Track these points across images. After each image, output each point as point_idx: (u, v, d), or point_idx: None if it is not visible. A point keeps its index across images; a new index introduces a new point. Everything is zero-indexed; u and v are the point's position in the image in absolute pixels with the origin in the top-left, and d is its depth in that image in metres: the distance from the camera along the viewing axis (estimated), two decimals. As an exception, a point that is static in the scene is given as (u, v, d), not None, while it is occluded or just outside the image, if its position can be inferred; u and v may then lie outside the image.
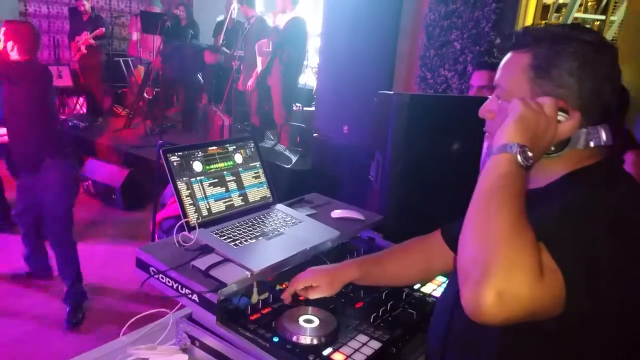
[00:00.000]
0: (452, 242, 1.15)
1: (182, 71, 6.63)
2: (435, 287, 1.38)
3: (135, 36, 7.46)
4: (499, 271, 0.67)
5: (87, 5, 6.72)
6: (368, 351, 1.05)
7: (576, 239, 0.74)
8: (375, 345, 1.08)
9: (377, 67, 3.42)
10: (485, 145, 1.00)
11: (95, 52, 6.73)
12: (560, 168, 0.88)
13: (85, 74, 6.90)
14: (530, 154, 0.78)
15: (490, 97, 0.96)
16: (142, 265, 1.19)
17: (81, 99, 7.54)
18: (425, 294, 1.34)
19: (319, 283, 1.20)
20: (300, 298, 1.21)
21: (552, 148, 0.85)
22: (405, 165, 1.69)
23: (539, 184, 0.90)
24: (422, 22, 3.38)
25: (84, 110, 7.39)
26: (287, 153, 4.79)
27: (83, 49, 6.61)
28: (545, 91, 0.84)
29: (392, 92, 1.72)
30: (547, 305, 0.70)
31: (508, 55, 0.91)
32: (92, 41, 6.55)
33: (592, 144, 0.85)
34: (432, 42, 3.30)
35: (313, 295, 1.20)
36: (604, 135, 0.86)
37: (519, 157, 0.77)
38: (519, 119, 0.80)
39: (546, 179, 0.90)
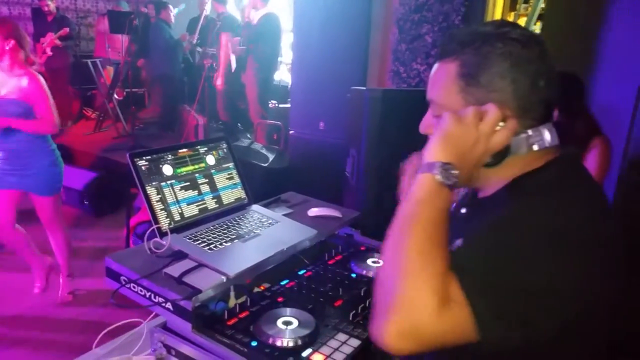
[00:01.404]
0: None
1: (161, 69, 6.50)
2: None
3: (101, 36, 7.30)
4: (397, 309, 0.67)
5: (52, 6, 6.53)
6: (347, 350, 1.04)
7: (493, 266, 0.69)
8: (355, 343, 1.06)
9: (350, 62, 3.41)
10: None
11: (62, 54, 6.54)
12: (505, 175, 0.83)
13: (52, 76, 6.70)
14: (454, 171, 0.75)
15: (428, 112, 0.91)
16: (112, 274, 1.16)
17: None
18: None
19: None
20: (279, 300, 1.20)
21: (490, 159, 0.80)
22: (380, 160, 1.69)
23: (486, 192, 0.87)
24: (393, 16, 3.37)
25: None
26: (263, 151, 4.75)
27: (48, 51, 6.42)
28: (477, 99, 0.79)
29: (364, 88, 1.71)
30: (456, 335, 0.68)
31: (435, 67, 0.86)
32: (57, 42, 6.36)
33: (535, 148, 0.80)
34: (403, 36, 3.30)
35: None
36: (547, 136, 0.81)
37: (439, 177, 0.74)
38: (442, 136, 0.77)
39: (492, 188, 0.86)
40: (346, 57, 3.43)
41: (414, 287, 0.67)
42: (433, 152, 0.77)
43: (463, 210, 0.97)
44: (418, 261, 0.69)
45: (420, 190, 0.75)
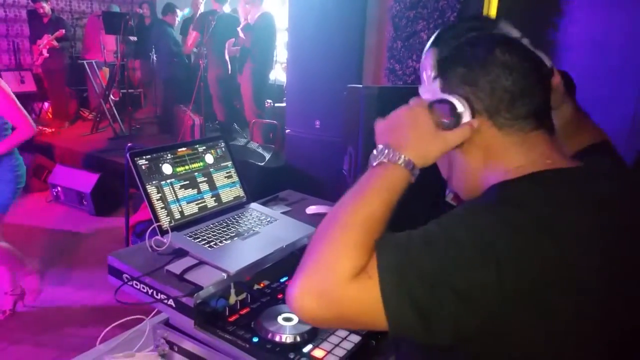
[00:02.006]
0: None
1: (161, 69, 6.52)
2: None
3: (95, 38, 7.30)
4: (311, 269, 0.69)
5: (47, 8, 6.52)
6: (348, 345, 1.06)
7: (416, 252, 0.68)
8: (355, 338, 1.08)
9: (346, 61, 3.43)
10: None
11: (58, 55, 6.55)
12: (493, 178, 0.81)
13: (49, 78, 6.71)
14: (399, 154, 0.77)
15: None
16: (114, 272, 1.17)
17: (46, 104, 7.34)
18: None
19: None
20: (279, 296, 1.21)
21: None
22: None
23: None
24: (388, 13, 3.38)
25: (50, 115, 7.20)
26: (260, 150, 4.76)
27: (45, 53, 6.42)
28: (448, 89, 0.80)
29: (361, 85, 1.73)
30: (363, 307, 0.67)
31: (427, 50, 0.88)
32: (55, 43, 6.36)
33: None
34: (399, 33, 3.31)
35: None
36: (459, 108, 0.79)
37: (381, 157, 0.78)
38: (388, 122, 0.84)
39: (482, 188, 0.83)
40: (341, 55, 3.44)
41: (331, 252, 0.69)
42: (379, 136, 0.83)
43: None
44: (344, 230, 0.71)
45: (368, 171, 0.79)
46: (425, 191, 0.93)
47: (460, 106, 0.78)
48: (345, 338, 1.08)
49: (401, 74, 3.24)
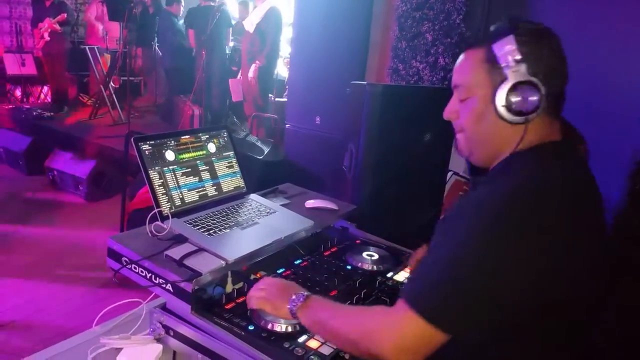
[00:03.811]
0: None
1: (163, 59, 6.50)
2: (407, 275, 1.41)
3: (97, 24, 7.26)
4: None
5: (51, -9, 6.47)
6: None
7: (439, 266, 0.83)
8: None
9: (349, 58, 3.42)
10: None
11: (60, 39, 6.49)
12: (503, 149, 0.95)
13: (49, 62, 6.66)
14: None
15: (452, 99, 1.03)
16: (114, 255, 1.17)
17: (45, 88, 7.30)
18: (398, 282, 1.36)
19: None
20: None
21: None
22: (377, 155, 1.71)
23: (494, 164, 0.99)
24: (394, 13, 3.39)
25: (49, 99, 7.16)
26: (259, 144, 4.75)
27: (46, 36, 6.38)
28: (500, 78, 0.91)
29: (365, 82, 1.73)
30: (427, 340, 0.81)
31: (462, 56, 1.00)
32: (56, 26, 6.31)
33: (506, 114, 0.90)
34: (404, 33, 3.31)
35: None
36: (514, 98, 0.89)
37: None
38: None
39: (497, 158, 0.98)
40: (345, 53, 3.44)
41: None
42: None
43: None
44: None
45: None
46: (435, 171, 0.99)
47: (543, 89, 0.88)
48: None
49: (404, 74, 3.24)
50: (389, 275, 1.39)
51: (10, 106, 6.53)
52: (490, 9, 3.05)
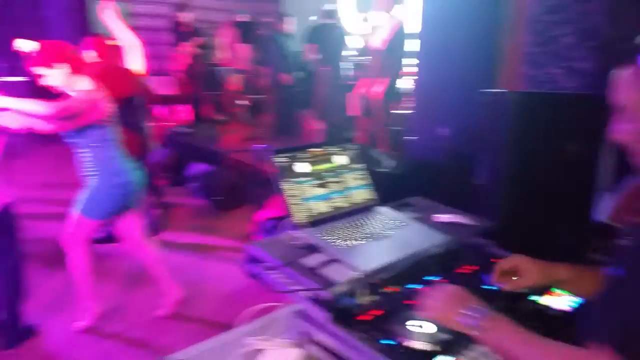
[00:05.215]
0: None
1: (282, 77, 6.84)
2: (555, 299, 1.27)
3: (229, 46, 7.86)
4: None
5: (188, 17, 7.18)
6: (486, 361, 0.99)
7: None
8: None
9: (477, 66, 3.29)
10: None
11: (199, 61, 7.16)
12: None
13: (190, 82, 7.37)
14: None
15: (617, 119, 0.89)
16: (253, 260, 1.23)
17: (184, 106, 8.07)
18: (545, 306, 1.24)
19: (528, 268, 1.19)
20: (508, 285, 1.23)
21: None
22: (517, 168, 1.59)
23: None
24: (526, 16, 3.18)
25: (190, 117, 7.90)
26: (382, 157, 4.75)
27: (188, 59, 7.07)
28: None
29: (505, 90, 1.63)
30: None
31: (629, 71, 0.84)
32: (198, 50, 6.97)
33: None
34: (537, 37, 3.09)
35: (513, 284, 1.20)
36: None
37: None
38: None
39: None
40: (473, 61, 3.31)
41: None
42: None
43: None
44: None
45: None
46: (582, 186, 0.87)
47: None
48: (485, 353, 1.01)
49: (540, 80, 3.02)
50: (532, 297, 1.27)
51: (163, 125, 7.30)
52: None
